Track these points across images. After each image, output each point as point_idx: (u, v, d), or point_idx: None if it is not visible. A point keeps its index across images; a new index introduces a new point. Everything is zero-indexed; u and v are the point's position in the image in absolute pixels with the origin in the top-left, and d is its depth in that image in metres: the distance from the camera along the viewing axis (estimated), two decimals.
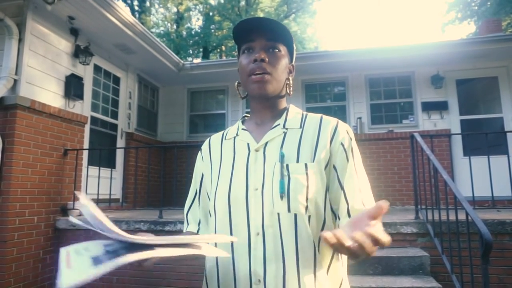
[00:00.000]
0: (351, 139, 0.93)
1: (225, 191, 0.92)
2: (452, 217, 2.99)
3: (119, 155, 5.85)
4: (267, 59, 0.93)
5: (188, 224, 1.06)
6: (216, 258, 0.93)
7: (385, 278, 3.06)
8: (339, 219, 0.88)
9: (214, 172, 0.98)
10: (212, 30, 19.23)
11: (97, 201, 4.61)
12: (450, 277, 2.95)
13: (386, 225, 3.55)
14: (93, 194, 4.70)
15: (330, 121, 0.96)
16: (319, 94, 6.87)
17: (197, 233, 1.02)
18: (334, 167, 0.90)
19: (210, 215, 0.97)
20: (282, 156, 0.88)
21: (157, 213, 4.22)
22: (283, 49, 0.97)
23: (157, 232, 3.96)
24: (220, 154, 1.00)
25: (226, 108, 7.12)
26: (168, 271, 3.87)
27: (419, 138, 3.70)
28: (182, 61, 6.46)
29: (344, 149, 0.91)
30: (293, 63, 1.04)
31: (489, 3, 14.65)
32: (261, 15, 18.91)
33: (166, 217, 4.15)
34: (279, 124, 0.96)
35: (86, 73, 5.03)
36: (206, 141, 1.08)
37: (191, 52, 19.58)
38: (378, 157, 6.16)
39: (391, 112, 6.50)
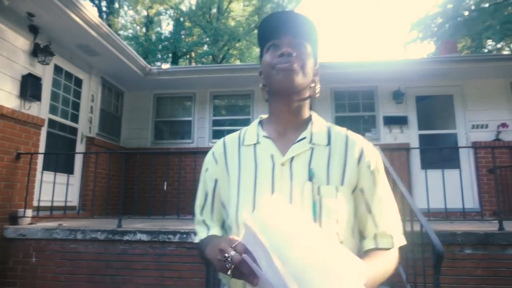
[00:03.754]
0: (377, 161, 0.91)
1: (249, 209, 0.84)
2: (408, 228, 3.10)
3: (78, 161, 5.59)
4: (295, 54, 0.87)
5: (208, 228, 0.95)
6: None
7: None
8: (365, 238, 0.88)
9: (232, 182, 0.90)
10: (183, 36, 19.05)
11: (51, 209, 4.37)
12: (405, 286, 3.04)
13: None
14: (47, 201, 4.45)
15: (356, 141, 0.91)
16: None
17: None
18: (362, 190, 0.87)
19: (231, 232, 0.89)
20: (312, 175, 0.84)
21: (116, 222, 4.06)
22: (309, 48, 0.91)
23: (115, 242, 3.80)
24: (239, 162, 0.92)
25: (192, 115, 7.03)
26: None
27: (379, 151, 3.81)
28: (149, 66, 6.33)
29: (371, 172, 0.88)
30: (317, 66, 0.97)
31: (447, 25, 15.60)
32: (232, 23, 19.02)
33: (125, 226, 3.99)
34: (305, 138, 0.90)
35: (45, 73, 4.79)
36: (220, 144, 0.98)
37: (160, 56, 19.24)
38: None
39: (354, 125, 6.69)
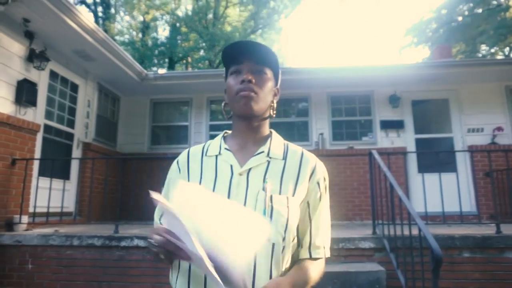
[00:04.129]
0: (324, 179, 1.02)
1: None
2: (406, 232, 3.10)
3: (74, 166, 5.56)
4: (254, 80, 0.96)
5: None
6: (189, 282, 0.92)
7: None
8: (301, 247, 0.99)
9: None
10: (179, 41, 19.07)
11: (47, 215, 4.33)
12: None
13: (345, 240, 3.61)
14: (43, 207, 4.41)
15: (309, 160, 1.01)
16: (283, 109, 6.97)
17: None
18: (308, 203, 0.98)
19: None
20: (266, 185, 0.93)
21: (113, 227, 4.02)
22: (269, 72, 1.01)
23: (112, 248, 3.76)
24: (200, 171, 0.99)
25: (189, 120, 7.02)
26: None
27: (376, 156, 3.82)
28: (145, 71, 6.32)
29: (319, 189, 0.99)
30: (278, 86, 1.07)
31: (441, 30, 15.76)
32: (228, 28, 19.09)
33: (122, 232, 3.96)
34: (263, 152, 0.99)
35: (40, 78, 4.77)
36: (184, 154, 1.06)
37: (156, 62, 19.25)
38: (339, 173, 6.31)
39: (351, 129, 6.72)
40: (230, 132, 1.08)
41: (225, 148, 1.01)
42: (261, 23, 19.70)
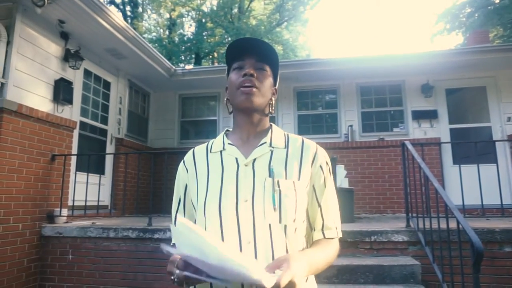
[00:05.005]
0: (327, 163, 1.05)
1: (216, 202, 0.96)
2: (443, 225, 3.00)
3: (109, 161, 5.76)
4: (255, 75, 1.01)
5: None
6: None
7: (376, 287, 3.04)
8: (314, 230, 1.04)
9: (201, 183, 1.02)
10: (205, 37, 19.23)
11: (85, 208, 4.52)
12: (441, 286, 2.94)
13: (377, 233, 3.54)
14: (81, 200, 4.62)
15: (310, 146, 1.05)
16: (311, 101, 6.89)
17: None
18: (313, 187, 1.02)
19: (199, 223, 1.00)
20: (272, 172, 0.97)
21: (146, 220, 4.15)
22: (269, 70, 1.06)
23: (146, 240, 3.89)
24: (207, 166, 1.04)
25: (217, 114, 7.09)
26: None
27: (410, 147, 3.71)
28: (173, 67, 6.42)
29: (323, 173, 1.03)
30: (276, 86, 1.12)
31: (476, 14, 14.97)
32: (253, 22, 19.04)
33: (155, 224, 4.07)
34: (265, 142, 1.03)
35: (76, 77, 4.96)
36: (190, 153, 1.11)
37: (183, 58, 19.52)
38: (369, 165, 6.18)
39: (382, 120, 6.54)
40: (231, 130, 1.12)
41: (229, 143, 1.05)
42: (286, 15, 19.49)
